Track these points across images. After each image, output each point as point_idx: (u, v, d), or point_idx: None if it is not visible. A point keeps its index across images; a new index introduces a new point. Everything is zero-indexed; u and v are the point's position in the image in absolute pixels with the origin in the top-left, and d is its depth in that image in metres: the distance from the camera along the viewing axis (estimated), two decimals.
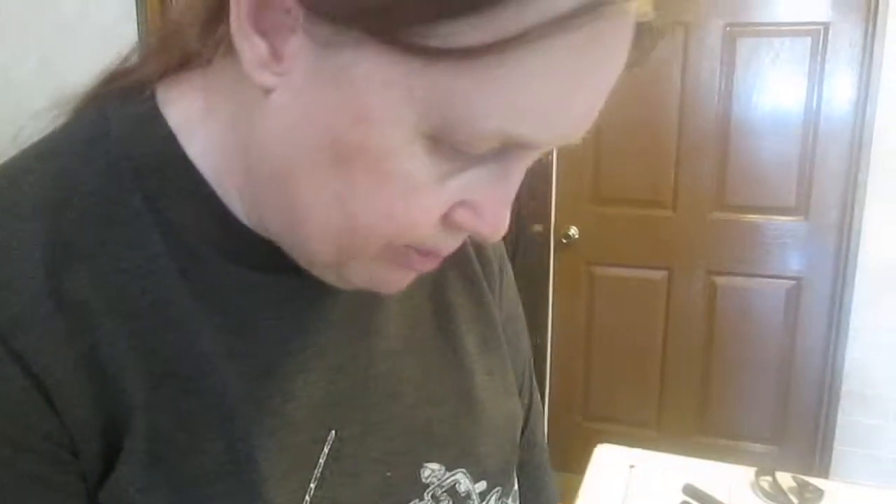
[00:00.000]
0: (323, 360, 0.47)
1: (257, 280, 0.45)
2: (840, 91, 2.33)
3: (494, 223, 0.41)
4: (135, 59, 0.47)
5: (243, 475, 0.42)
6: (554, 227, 2.68)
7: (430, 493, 0.50)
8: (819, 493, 1.24)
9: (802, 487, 1.25)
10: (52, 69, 1.22)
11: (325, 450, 0.46)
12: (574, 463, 1.56)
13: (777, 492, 1.24)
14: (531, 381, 0.66)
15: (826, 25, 2.31)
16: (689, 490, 1.21)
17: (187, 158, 0.43)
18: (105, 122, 0.44)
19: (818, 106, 2.36)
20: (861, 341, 2.36)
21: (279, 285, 0.46)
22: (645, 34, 0.39)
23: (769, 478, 1.27)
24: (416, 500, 0.49)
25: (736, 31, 2.40)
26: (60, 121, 0.46)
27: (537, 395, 0.68)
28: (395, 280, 0.45)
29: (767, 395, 2.57)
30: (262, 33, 0.37)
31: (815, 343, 2.49)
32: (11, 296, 0.38)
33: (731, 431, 2.62)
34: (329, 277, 0.45)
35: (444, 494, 0.51)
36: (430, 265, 0.44)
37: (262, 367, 0.44)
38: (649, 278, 2.64)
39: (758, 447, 2.59)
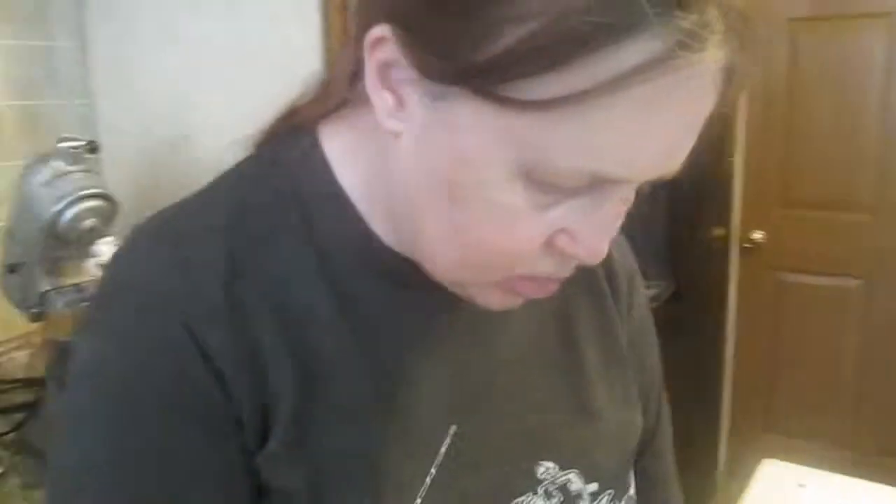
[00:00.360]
0: (449, 364, 0.53)
1: (392, 291, 0.52)
2: None
3: (591, 248, 0.45)
4: (306, 98, 0.56)
5: (370, 457, 0.49)
6: (738, 230, 2.57)
7: (543, 489, 0.54)
8: None
9: None
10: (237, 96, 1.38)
11: (447, 441, 0.51)
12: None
13: None
14: (659, 396, 0.69)
15: None
16: None
17: (340, 186, 0.51)
18: (277, 156, 0.53)
19: None
20: None
21: (410, 296, 0.52)
22: (732, 75, 0.41)
23: None
24: (531, 494, 0.54)
25: None
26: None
27: (666, 410, 0.70)
28: (510, 303, 0.51)
29: None
30: (389, 88, 0.44)
31: None
32: (199, 298, 0.46)
33: None
34: (457, 291, 0.51)
35: (557, 491, 0.55)
36: (543, 292, 0.49)
37: (392, 367, 0.51)
38: (844, 287, 2.45)
39: None
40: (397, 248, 0.51)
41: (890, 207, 2.34)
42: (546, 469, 0.55)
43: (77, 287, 1.20)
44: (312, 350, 0.48)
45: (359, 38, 0.45)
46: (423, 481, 0.50)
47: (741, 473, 1.47)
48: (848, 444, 2.51)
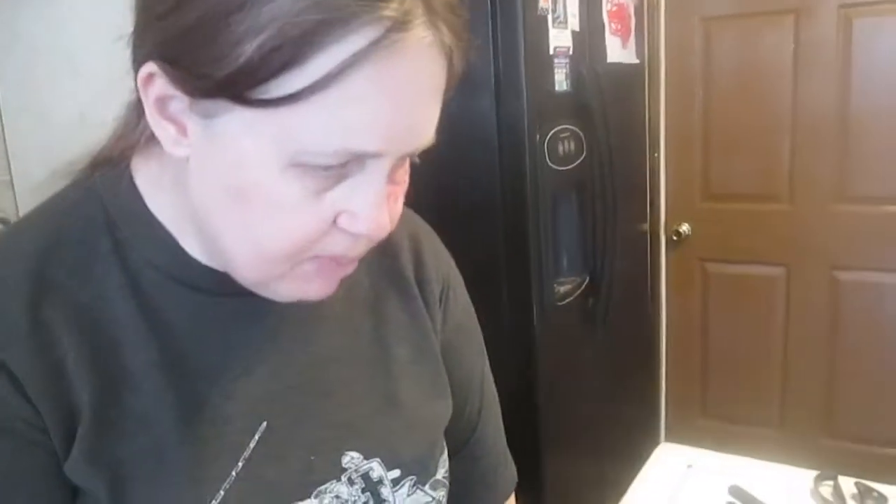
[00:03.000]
0: (263, 365, 0.59)
1: (205, 301, 0.57)
2: None
3: (371, 223, 0.51)
4: (116, 133, 0.61)
5: (171, 456, 0.54)
6: (665, 224, 2.66)
7: (347, 476, 0.60)
8: (883, 499, 1.19)
9: (865, 494, 1.21)
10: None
11: (256, 437, 0.57)
12: None
13: (837, 498, 1.21)
14: (480, 389, 0.75)
15: None
16: (735, 491, 1.21)
17: (150, 212, 0.57)
18: (93, 186, 0.58)
19: None
20: None
21: (225, 305, 0.58)
22: (453, 58, 0.49)
23: (830, 483, 1.24)
24: (334, 481, 0.59)
25: (851, 12, 2.27)
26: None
27: (490, 398, 0.76)
28: (320, 289, 0.56)
29: None
30: (169, 119, 0.50)
31: None
32: (2, 322, 0.51)
33: (859, 435, 2.47)
34: (266, 294, 0.56)
35: (359, 478, 0.60)
36: (345, 270, 0.55)
37: (203, 371, 0.56)
38: (767, 275, 2.54)
39: (890, 451, 2.43)
40: (208, 262, 0.57)
41: (804, 197, 2.43)
42: (351, 458, 0.60)
43: None
44: (120, 364, 0.54)
45: (135, 77, 0.50)
46: (228, 474, 0.55)
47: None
48: (776, 423, 2.61)
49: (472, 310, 0.75)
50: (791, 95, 2.39)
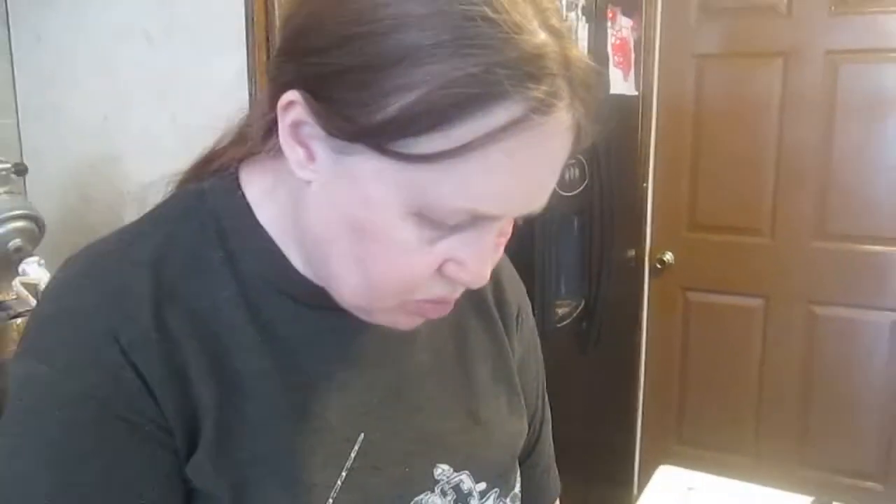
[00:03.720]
0: (359, 378, 0.61)
1: (308, 314, 0.59)
2: None
3: (475, 273, 0.54)
4: (225, 141, 0.63)
5: (286, 463, 0.56)
6: (649, 252, 2.73)
7: (439, 488, 0.63)
8: None
9: None
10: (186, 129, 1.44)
11: (356, 447, 0.59)
12: None
13: None
14: (543, 405, 0.79)
15: None
16: None
17: (259, 224, 0.59)
18: (202, 194, 0.60)
19: None
20: None
21: (325, 319, 0.60)
22: (580, 133, 0.51)
23: None
24: (429, 492, 0.62)
25: (837, 59, 2.37)
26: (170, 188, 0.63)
27: (547, 412, 0.79)
28: (411, 323, 0.59)
29: (871, 431, 2.49)
30: (300, 143, 0.52)
31: None
32: (131, 324, 0.53)
33: (832, 466, 2.55)
34: (361, 316, 0.59)
35: (451, 490, 0.63)
36: (439, 312, 0.58)
37: (308, 381, 0.58)
38: (747, 306, 2.62)
39: (861, 483, 2.51)
40: (311, 276, 0.59)
41: (785, 232, 2.52)
42: (442, 470, 0.63)
43: (0, 305, 1.22)
44: (235, 370, 0.55)
45: (272, 99, 0.52)
46: (335, 483, 0.57)
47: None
48: (752, 452, 2.68)
49: (536, 329, 0.79)
50: (777, 134, 2.49)
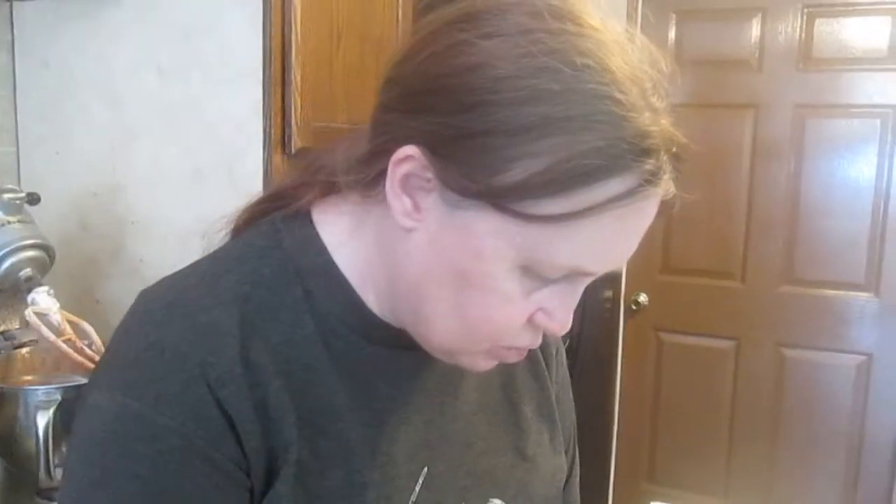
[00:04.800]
0: (419, 414, 0.63)
1: (381, 353, 0.62)
2: None
3: (562, 323, 0.57)
4: (293, 182, 0.65)
5: (356, 497, 0.58)
6: (624, 293, 2.79)
7: None
8: None
9: None
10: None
11: (420, 481, 0.61)
12: None
13: None
14: (574, 439, 0.82)
15: None
16: None
17: (335, 266, 0.61)
18: (278, 235, 0.62)
19: (888, 185, 2.42)
20: None
21: (394, 358, 0.62)
22: (666, 196, 0.56)
23: None
24: None
25: (805, 112, 2.50)
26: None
27: (576, 449, 0.82)
28: (487, 365, 0.62)
29: (836, 472, 2.57)
30: (408, 194, 0.54)
31: (886, 420, 2.49)
32: (219, 360, 0.54)
33: (800, 503, 2.61)
34: (441, 357, 0.61)
35: None
36: (518, 357, 0.61)
37: (375, 418, 0.60)
38: (718, 347, 2.70)
39: None
40: (385, 317, 0.61)
41: (755, 276, 2.62)
42: None
43: (5, 334, 1.20)
44: (311, 407, 0.57)
45: (377, 149, 0.55)
46: None
47: None
48: (721, 492, 2.73)
49: (567, 370, 0.82)
50: (748, 182, 2.60)
